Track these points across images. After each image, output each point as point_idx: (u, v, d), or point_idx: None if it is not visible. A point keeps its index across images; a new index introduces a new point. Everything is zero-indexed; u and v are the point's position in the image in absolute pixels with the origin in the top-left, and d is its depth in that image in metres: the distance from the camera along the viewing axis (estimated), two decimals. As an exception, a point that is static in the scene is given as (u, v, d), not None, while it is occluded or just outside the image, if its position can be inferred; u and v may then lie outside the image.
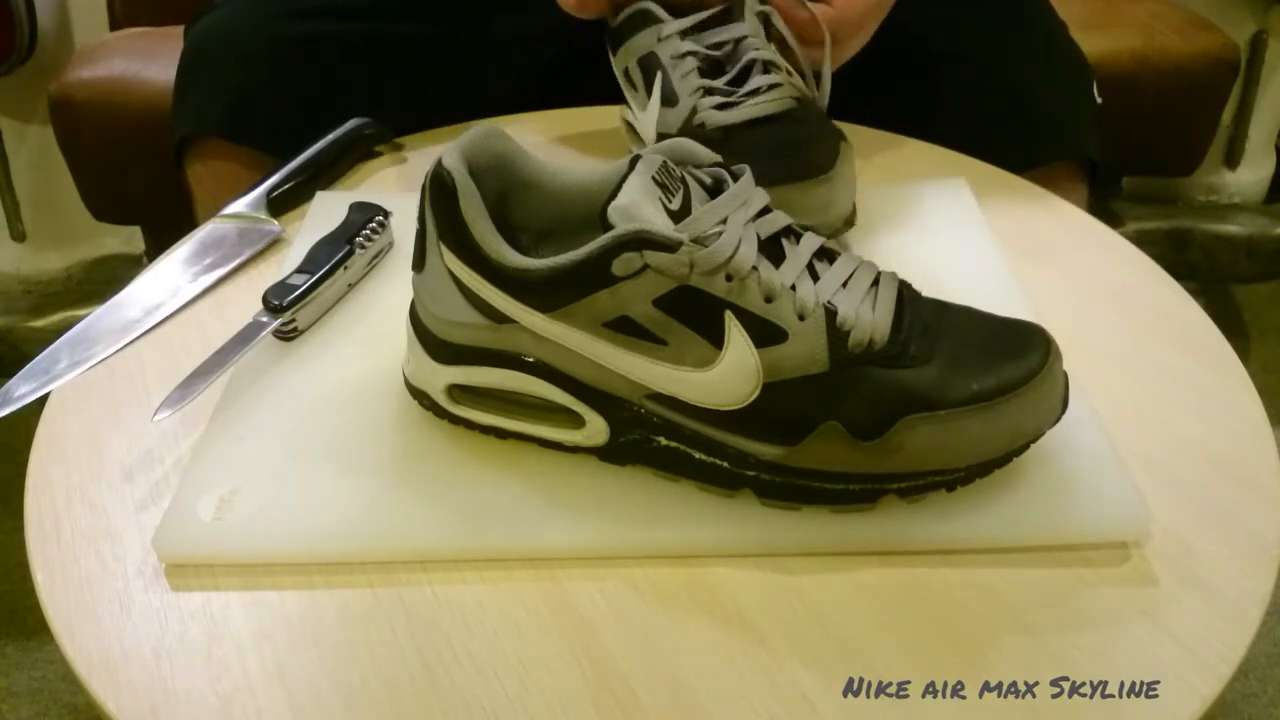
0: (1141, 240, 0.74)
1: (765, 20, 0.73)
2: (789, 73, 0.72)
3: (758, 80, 0.70)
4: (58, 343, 0.63)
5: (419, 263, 0.54)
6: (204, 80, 0.87)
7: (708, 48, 0.72)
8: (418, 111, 0.86)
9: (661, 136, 0.72)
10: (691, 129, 0.70)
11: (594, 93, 0.84)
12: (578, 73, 0.82)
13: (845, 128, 0.84)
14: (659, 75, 0.73)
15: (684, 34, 0.73)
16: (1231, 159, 1.66)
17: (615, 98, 0.78)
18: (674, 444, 0.52)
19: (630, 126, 0.77)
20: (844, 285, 0.51)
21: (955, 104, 0.86)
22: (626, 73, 0.76)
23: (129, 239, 1.66)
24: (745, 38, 0.72)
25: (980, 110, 0.85)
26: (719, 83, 0.71)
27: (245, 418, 0.58)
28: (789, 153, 0.58)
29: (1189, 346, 0.63)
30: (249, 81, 0.85)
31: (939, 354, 0.50)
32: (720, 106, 0.70)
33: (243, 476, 0.54)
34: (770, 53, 0.72)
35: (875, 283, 0.52)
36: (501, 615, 0.49)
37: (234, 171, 0.84)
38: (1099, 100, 0.89)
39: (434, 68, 0.90)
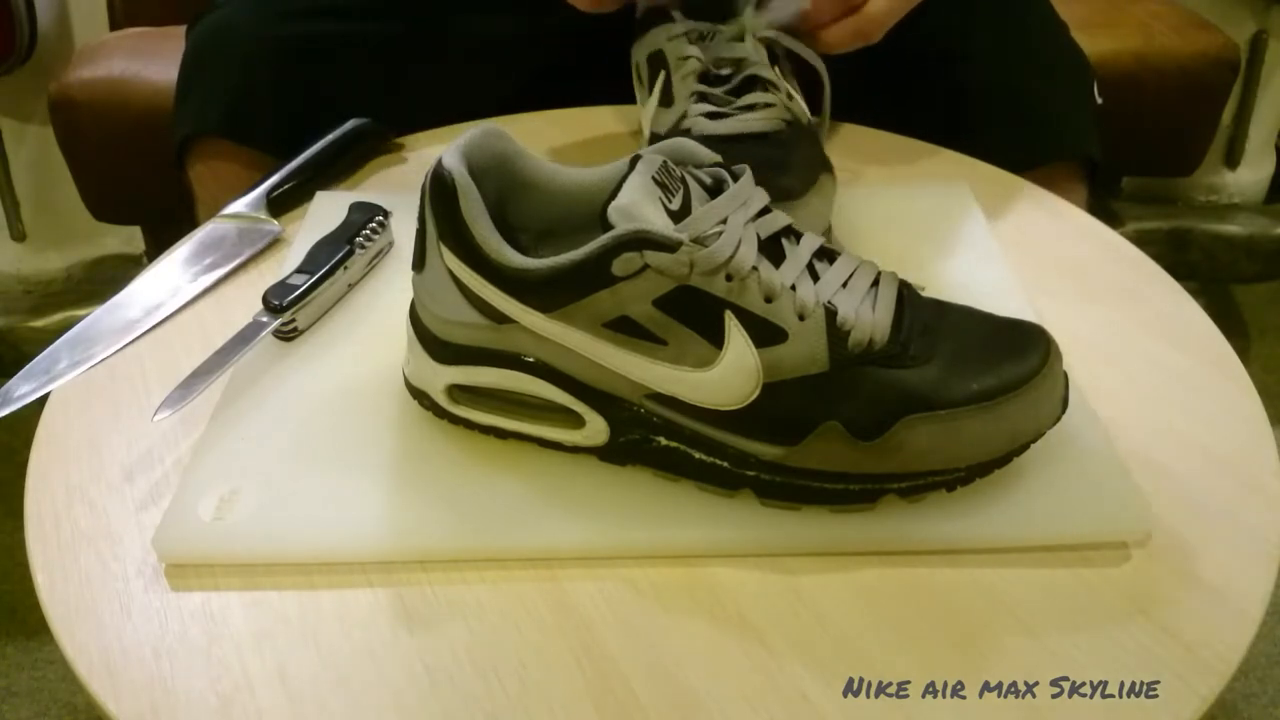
0: (1141, 240, 0.74)
1: (769, 46, 0.73)
2: (790, 96, 0.72)
3: (754, 97, 0.70)
4: (58, 343, 0.63)
5: (419, 263, 0.54)
6: (205, 80, 0.87)
7: (711, 60, 0.72)
8: (418, 111, 0.86)
9: (654, 135, 0.72)
10: (679, 133, 0.70)
11: (594, 93, 0.84)
12: (578, 73, 0.82)
13: (844, 128, 0.84)
14: (662, 75, 0.73)
15: (691, 39, 0.72)
16: (1231, 159, 1.66)
17: (615, 98, 0.78)
18: (674, 444, 0.52)
19: None
20: (844, 285, 0.51)
21: (955, 104, 0.86)
22: (638, 67, 0.76)
23: (129, 239, 1.66)
24: (745, 59, 0.72)
25: (980, 110, 0.85)
26: (717, 90, 0.71)
27: (245, 418, 0.58)
28: (764, 173, 0.58)
29: (1189, 346, 0.63)
30: (250, 81, 0.85)
31: (939, 354, 0.50)
32: (711, 115, 0.70)
33: (243, 476, 0.54)
34: (774, 74, 0.72)
35: (875, 283, 0.52)
36: (501, 615, 0.49)
37: (235, 171, 0.84)
38: (1099, 100, 0.89)
39: (434, 68, 0.90)
